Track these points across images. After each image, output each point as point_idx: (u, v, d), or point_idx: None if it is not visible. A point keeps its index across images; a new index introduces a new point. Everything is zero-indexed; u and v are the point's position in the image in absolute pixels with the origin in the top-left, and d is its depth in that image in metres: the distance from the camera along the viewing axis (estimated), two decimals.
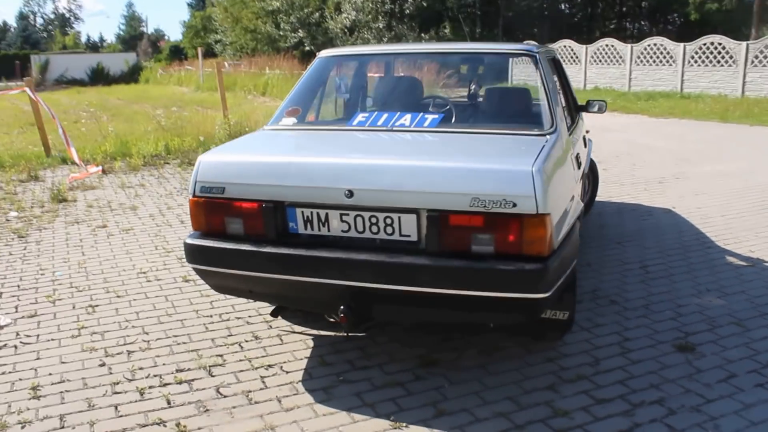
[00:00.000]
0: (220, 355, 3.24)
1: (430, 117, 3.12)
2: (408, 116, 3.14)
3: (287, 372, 3.08)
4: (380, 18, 29.45)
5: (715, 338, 3.42)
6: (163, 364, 3.16)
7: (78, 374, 3.06)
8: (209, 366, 3.13)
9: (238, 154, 3.03)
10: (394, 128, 3.14)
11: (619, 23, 38.93)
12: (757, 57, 16.87)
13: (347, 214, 2.65)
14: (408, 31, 29.95)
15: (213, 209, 2.84)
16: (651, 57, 19.65)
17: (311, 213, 2.69)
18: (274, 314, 3.30)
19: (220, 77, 9.93)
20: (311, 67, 3.69)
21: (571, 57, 21.82)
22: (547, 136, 2.99)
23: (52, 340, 3.43)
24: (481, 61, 4.44)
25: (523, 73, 20.23)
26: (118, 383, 2.97)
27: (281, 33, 31.10)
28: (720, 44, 17.75)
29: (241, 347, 3.33)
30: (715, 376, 3.03)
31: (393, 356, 3.22)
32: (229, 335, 3.47)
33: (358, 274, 2.61)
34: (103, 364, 3.15)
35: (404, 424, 2.65)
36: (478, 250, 2.54)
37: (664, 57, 19.24)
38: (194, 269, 2.95)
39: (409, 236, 2.61)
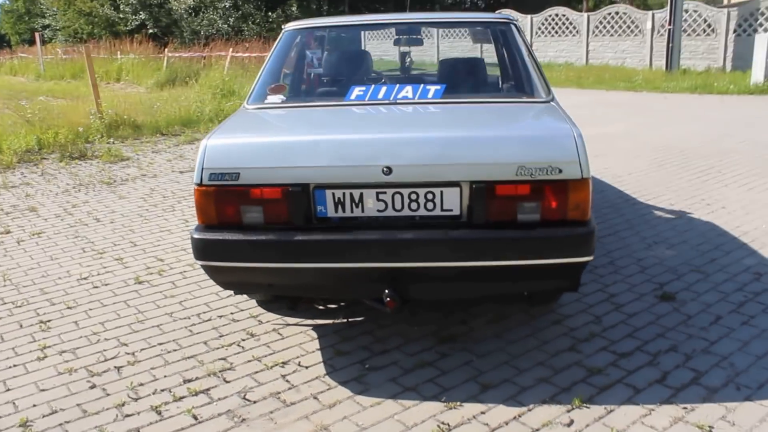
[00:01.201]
0: (224, 359, 2.98)
1: (432, 88, 3.02)
2: (409, 88, 3.02)
3: (307, 367, 2.89)
4: None
5: (686, 286, 3.67)
6: (165, 377, 2.84)
7: (70, 401, 2.67)
8: (219, 372, 2.86)
9: (252, 135, 2.75)
10: (398, 101, 3.01)
11: None
12: (597, 27, 18.24)
13: (384, 192, 2.51)
14: (254, 10, 29.11)
15: (226, 198, 2.56)
16: (555, 27, 20.34)
17: (343, 194, 2.51)
18: (291, 307, 3.08)
19: (90, 62, 9.02)
20: (279, 42, 3.43)
21: (424, 31, 22.25)
22: (552, 103, 3.01)
23: (14, 366, 2.97)
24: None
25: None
26: (123, 404, 2.63)
27: (121, 16, 28.99)
28: (564, 15, 18.99)
29: (242, 347, 3.08)
30: (706, 320, 3.25)
31: (406, 337, 3.13)
32: (220, 336, 3.20)
33: (405, 254, 2.49)
34: (93, 386, 2.78)
35: (458, 403, 2.58)
36: (524, 219, 2.51)
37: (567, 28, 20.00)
38: (204, 266, 2.66)
39: (451, 210, 2.52)
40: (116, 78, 16.06)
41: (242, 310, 3.47)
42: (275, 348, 3.07)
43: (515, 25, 3.38)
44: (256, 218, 2.57)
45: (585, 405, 2.56)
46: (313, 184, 2.51)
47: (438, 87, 3.02)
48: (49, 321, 3.40)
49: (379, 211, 2.54)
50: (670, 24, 15.08)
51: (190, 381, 2.79)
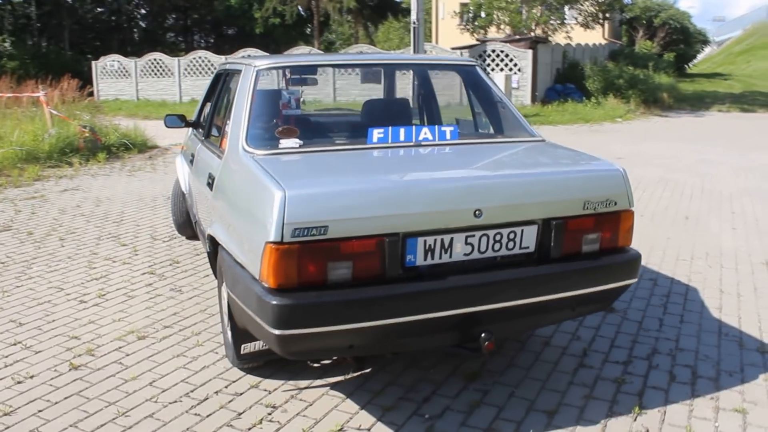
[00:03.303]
0: None
1: (447, 129, 3.04)
2: (426, 129, 3.01)
3: (369, 430, 2.69)
4: None
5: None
6: None
7: None
8: None
9: (336, 183, 2.47)
10: (421, 143, 2.98)
11: (185, 36, 39.58)
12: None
13: (473, 236, 2.49)
14: None
15: (311, 255, 2.30)
16: None
17: (434, 240, 2.44)
18: (359, 368, 2.81)
19: None
20: (253, 81, 3.12)
21: (163, 70, 21.19)
22: (546, 141, 3.25)
23: None
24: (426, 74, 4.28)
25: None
26: None
27: None
28: (161, 59, 20.01)
29: (278, 422, 2.74)
30: (654, 324, 3.74)
31: (431, 381, 3.07)
32: (239, 414, 2.80)
33: (500, 295, 2.50)
34: None
35: None
36: (587, 250, 2.70)
37: None
38: (284, 336, 2.32)
39: (527, 248, 2.60)
40: None
41: (234, 381, 3.08)
42: (313, 416, 2.79)
43: (481, 68, 3.57)
44: (344, 275, 2.35)
45: (643, 411, 2.81)
46: (405, 232, 2.40)
47: (451, 128, 3.07)
48: None
49: (465, 255, 2.51)
50: None
51: None
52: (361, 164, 2.86)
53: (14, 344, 3.47)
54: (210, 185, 3.25)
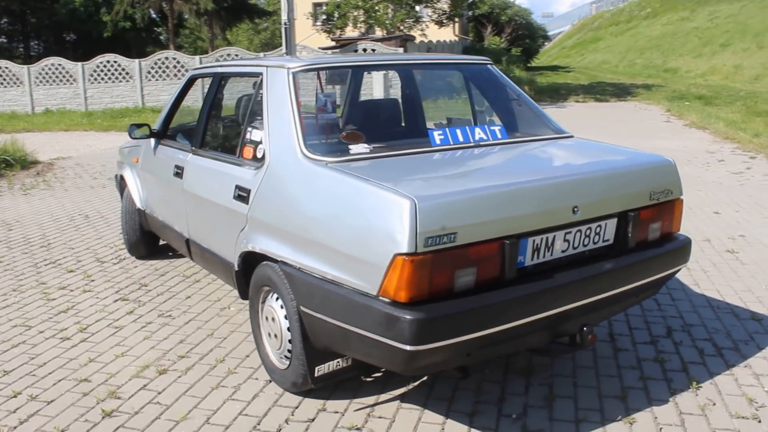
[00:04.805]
0: None
1: (496, 128, 3.05)
2: (478, 129, 3.00)
3: None
4: None
5: None
6: None
7: None
8: None
9: (459, 189, 2.37)
10: (480, 143, 2.96)
11: (21, 42, 36.18)
12: (149, 72, 18.46)
13: (570, 232, 2.54)
14: None
15: (442, 264, 2.23)
16: (106, 74, 18.88)
17: (540, 239, 2.46)
18: (466, 376, 2.70)
19: None
20: (292, 85, 2.91)
21: (10, 79, 19.12)
22: (576, 137, 3.36)
23: None
24: (447, 73, 4.13)
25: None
26: None
27: None
28: (115, 62, 18.66)
29: None
30: (652, 304, 4.00)
31: (491, 380, 3.09)
32: None
33: (598, 288, 2.57)
34: None
35: (632, 417, 2.76)
36: (652, 238, 2.84)
37: (120, 74, 18.78)
38: (420, 351, 2.21)
39: (608, 240, 2.69)
40: None
41: (296, 407, 2.89)
42: (403, 431, 2.71)
43: (494, 66, 3.60)
44: (469, 282, 2.31)
45: (699, 386, 3.00)
46: (518, 233, 2.39)
47: (499, 127, 3.09)
48: None
49: (562, 252, 2.56)
50: None
51: None
52: (453, 167, 2.79)
53: (14, 396, 3.03)
54: (244, 198, 3.02)
